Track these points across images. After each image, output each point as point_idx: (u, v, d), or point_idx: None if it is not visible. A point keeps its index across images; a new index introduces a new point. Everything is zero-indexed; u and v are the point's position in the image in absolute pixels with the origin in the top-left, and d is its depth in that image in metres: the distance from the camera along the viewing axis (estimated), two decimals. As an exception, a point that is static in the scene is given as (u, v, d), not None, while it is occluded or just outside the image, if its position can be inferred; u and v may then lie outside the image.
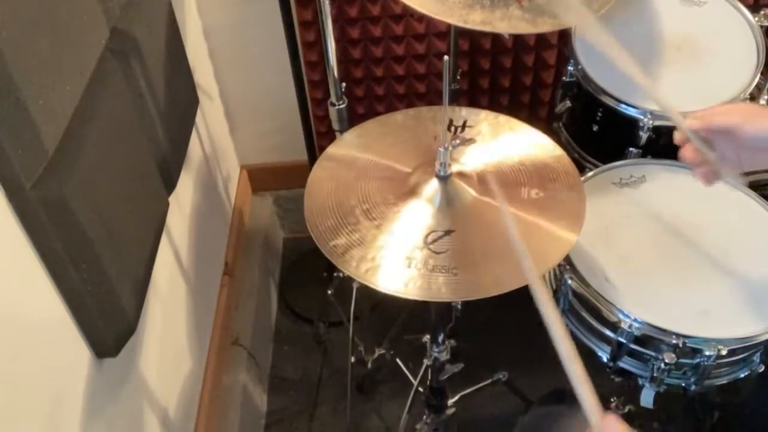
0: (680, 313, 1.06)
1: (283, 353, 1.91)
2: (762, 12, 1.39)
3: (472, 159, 1.05)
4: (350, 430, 1.74)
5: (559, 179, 1.03)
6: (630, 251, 1.14)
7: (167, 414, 1.31)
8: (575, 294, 1.13)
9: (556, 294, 1.17)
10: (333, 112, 1.33)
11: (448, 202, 0.98)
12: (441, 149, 0.97)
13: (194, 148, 1.59)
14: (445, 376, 1.37)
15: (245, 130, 2.02)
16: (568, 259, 1.12)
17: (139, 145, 1.06)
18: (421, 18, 1.68)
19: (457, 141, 1.02)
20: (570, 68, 1.39)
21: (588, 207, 0.99)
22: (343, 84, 1.31)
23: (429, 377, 1.41)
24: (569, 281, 1.12)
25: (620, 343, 1.09)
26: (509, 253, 0.93)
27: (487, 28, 1.07)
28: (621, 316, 1.07)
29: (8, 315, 0.80)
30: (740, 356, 1.09)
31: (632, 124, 1.27)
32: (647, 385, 1.11)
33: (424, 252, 0.92)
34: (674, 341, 1.03)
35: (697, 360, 1.05)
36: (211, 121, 1.80)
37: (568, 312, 1.16)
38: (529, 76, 1.84)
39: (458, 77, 1.66)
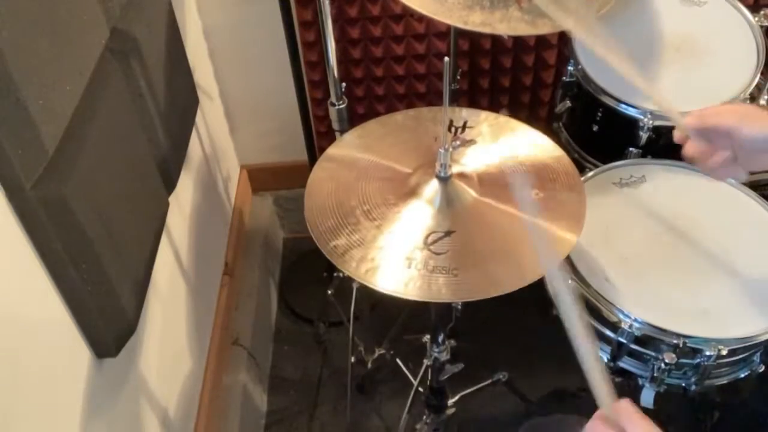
0: (680, 313, 1.06)
1: (283, 353, 1.91)
2: (762, 12, 1.39)
3: (472, 160, 1.05)
4: (350, 430, 1.74)
5: (559, 179, 1.03)
6: (630, 251, 1.14)
7: (167, 414, 1.31)
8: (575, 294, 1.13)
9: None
10: (333, 112, 1.33)
11: (449, 203, 0.98)
12: (441, 150, 0.97)
13: (194, 148, 1.59)
14: (445, 376, 1.37)
15: (245, 130, 2.02)
16: (568, 259, 1.12)
17: (139, 145, 1.06)
18: (421, 18, 1.68)
19: (458, 142, 1.02)
20: (570, 68, 1.39)
21: (588, 207, 0.99)
22: (343, 84, 1.31)
23: (429, 377, 1.41)
24: (569, 281, 1.12)
25: (620, 343, 1.09)
26: (509, 253, 0.93)
27: (486, 30, 1.07)
28: (621, 316, 1.07)
29: (8, 315, 0.80)
30: (740, 356, 1.09)
31: (632, 124, 1.27)
32: (647, 385, 1.11)
33: (424, 253, 0.92)
34: (674, 341, 1.04)
35: (698, 360, 1.05)
36: (211, 121, 1.80)
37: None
38: (529, 76, 1.84)
39: (458, 77, 1.66)
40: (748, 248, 1.14)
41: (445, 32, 1.70)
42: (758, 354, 1.11)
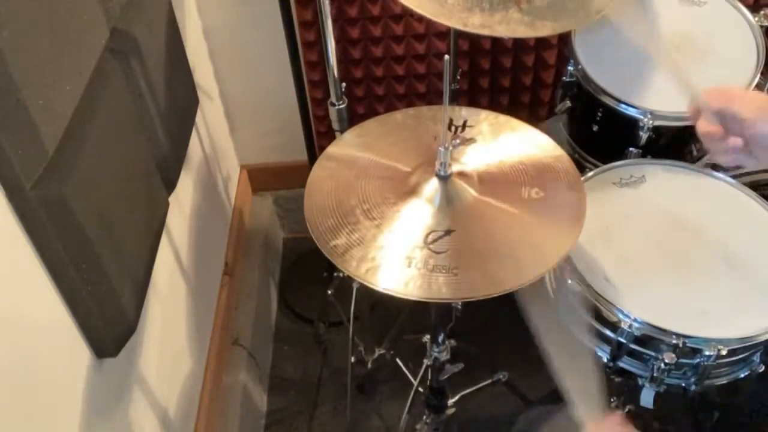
0: (680, 313, 1.06)
1: (283, 353, 1.91)
2: (762, 12, 1.39)
3: (472, 159, 1.05)
4: (350, 430, 1.74)
5: (559, 179, 1.03)
6: (630, 251, 1.14)
7: (167, 414, 1.31)
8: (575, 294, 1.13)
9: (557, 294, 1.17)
10: (333, 112, 1.33)
11: (449, 201, 0.98)
12: (441, 149, 0.97)
13: (194, 148, 1.59)
14: (445, 376, 1.37)
15: (245, 130, 2.02)
16: (568, 259, 1.12)
17: (139, 145, 1.06)
18: (421, 18, 1.68)
19: (458, 141, 1.02)
20: (570, 68, 1.39)
21: (588, 207, 0.99)
22: (343, 84, 1.31)
23: (429, 377, 1.41)
24: (569, 281, 1.12)
25: (620, 343, 1.09)
26: (509, 253, 0.93)
27: (486, 32, 1.07)
28: (621, 316, 1.07)
29: (8, 315, 0.80)
30: (740, 356, 1.09)
31: (632, 124, 1.27)
32: (647, 385, 1.11)
33: (424, 252, 0.92)
34: (674, 341, 1.03)
35: (697, 360, 1.05)
36: (211, 121, 1.80)
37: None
38: (529, 76, 1.84)
39: (458, 77, 1.66)
40: (748, 248, 1.14)
41: (445, 32, 1.70)
42: (758, 354, 1.11)
